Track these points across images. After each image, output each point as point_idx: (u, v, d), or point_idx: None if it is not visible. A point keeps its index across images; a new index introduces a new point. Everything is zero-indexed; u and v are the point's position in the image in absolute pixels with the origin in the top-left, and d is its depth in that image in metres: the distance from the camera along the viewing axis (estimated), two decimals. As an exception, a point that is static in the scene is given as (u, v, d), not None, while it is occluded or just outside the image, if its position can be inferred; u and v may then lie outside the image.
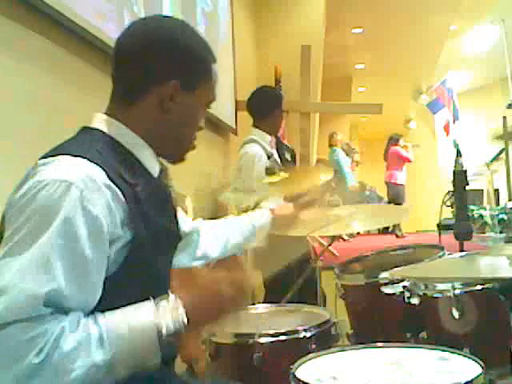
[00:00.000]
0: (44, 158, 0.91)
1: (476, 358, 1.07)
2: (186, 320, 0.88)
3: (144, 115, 1.02)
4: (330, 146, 8.11)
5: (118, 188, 0.92)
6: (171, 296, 0.90)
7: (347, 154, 8.31)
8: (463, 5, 7.59)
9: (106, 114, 1.03)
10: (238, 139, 4.11)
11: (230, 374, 1.45)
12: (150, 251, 0.97)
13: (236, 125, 4.44)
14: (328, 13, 6.79)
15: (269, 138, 2.89)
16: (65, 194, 0.85)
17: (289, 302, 1.91)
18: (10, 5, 1.46)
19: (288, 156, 4.01)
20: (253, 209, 2.29)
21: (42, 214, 0.83)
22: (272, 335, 1.39)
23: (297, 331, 1.40)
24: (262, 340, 1.38)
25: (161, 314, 0.87)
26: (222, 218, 1.49)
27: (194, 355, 1.80)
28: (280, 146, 3.72)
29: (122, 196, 0.92)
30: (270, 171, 2.42)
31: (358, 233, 7.44)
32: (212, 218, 1.48)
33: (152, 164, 1.05)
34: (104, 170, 0.91)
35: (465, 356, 1.11)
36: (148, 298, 0.91)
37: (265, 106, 2.92)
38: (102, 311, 0.87)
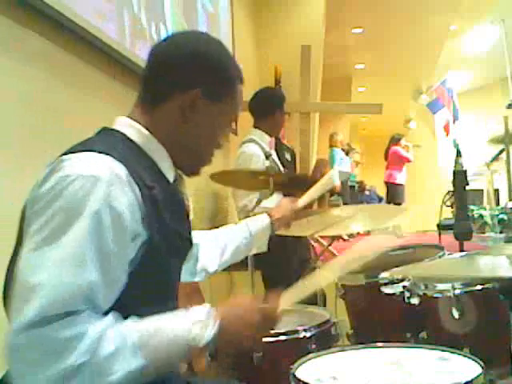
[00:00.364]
0: (66, 154, 0.92)
1: (476, 358, 1.07)
2: (216, 339, 0.91)
3: (165, 120, 1.05)
4: (330, 146, 8.12)
5: (138, 188, 0.93)
6: (208, 310, 0.93)
7: (347, 155, 8.32)
8: (463, 5, 7.59)
9: (128, 117, 1.06)
10: (237, 139, 4.10)
11: (230, 374, 1.45)
12: (164, 253, 0.98)
13: (236, 125, 4.44)
14: (328, 13, 6.78)
15: (268, 138, 2.90)
16: (92, 189, 0.86)
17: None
18: (9, 5, 1.46)
19: (288, 156, 4.01)
20: (252, 209, 2.31)
21: (70, 209, 0.85)
22: (272, 335, 1.39)
23: (297, 331, 1.40)
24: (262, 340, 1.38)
25: (196, 329, 0.89)
26: (221, 227, 1.49)
27: (194, 355, 1.79)
28: (280, 146, 3.73)
29: (140, 196, 0.93)
30: (269, 171, 2.42)
31: (358, 233, 7.43)
32: (212, 218, 1.48)
33: (168, 170, 1.07)
34: (127, 169, 0.92)
35: (465, 356, 1.11)
36: (159, 301, 0.94)
37: (265, 106, 2.92)
38: (114, 309, 0.88)
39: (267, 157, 2.74)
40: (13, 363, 0.79)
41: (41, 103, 1.60)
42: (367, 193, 12.24)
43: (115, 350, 0.81)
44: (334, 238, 2.48)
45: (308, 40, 5.11)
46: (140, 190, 0.94)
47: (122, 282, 0.90)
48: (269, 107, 2.93)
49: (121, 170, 0.91)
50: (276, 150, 3.12)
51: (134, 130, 1.03)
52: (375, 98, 8.87)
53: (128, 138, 1.02)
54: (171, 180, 1.08)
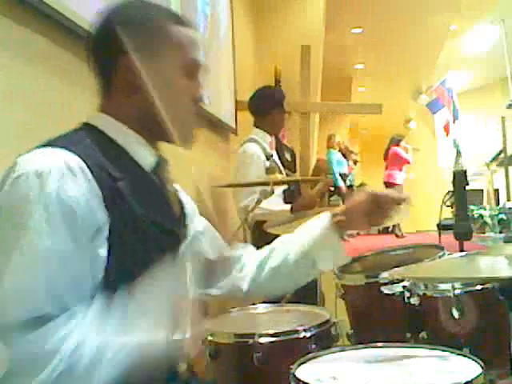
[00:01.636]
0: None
1: (476, 358, 1.07)
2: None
3: (121, 101, 0.99)
4: (328, 147, 8.14)
5: (96, 179, 0.88)
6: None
7: (345, 156, 8.33)
8: (463, 5, 7.60)
9: (98, 109, 1.02)
10: (237, 139, 4.11)
11: (230, 374, 1.45)
12: (139, 249, 0.92)
13: (236, 125, 4.44)
14: (328, 13, 6.79)
15: (269, 138, 2.90)
16: (41, 186, 0.82)
17: (289, 302, 1.91)
18: (9, 4, 1.46)
19: (288, 156, 4.01)
20: (252, 209, 2.31)
21: (18, 210, 0.81)
22: (272, 335, 1.39)
23: (297, 331, 1.40)
24: (262, 340, 1.38)
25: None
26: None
27: (194, 355, 1.80)
28: (280, 146, 3.73)
29: (98, 188, 0.87)
30: (269, 171, 2.42)
31: (358, 233, 7.44)
32: (212, 218, 1.46)
33: (145, 157, 1.01)
34: (82, 160, 0.87)
35: (465, 356, 1.11)
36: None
37: (263, 105, 2.93)
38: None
39: (268, 158, 2.74)
40: None
41: (41, 103, 1.60)
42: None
43: (94, 357, 0.78)
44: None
45: (308, 40, 5.12)
46: (100, 182, 0.88)
47: (89, 279, 0.85)
48: (266, 106, 2.93)
49: (73, 161, 0.86)
50: (276, 150, 3.11)
51: (102, 120, 0.99)
52: (375, 98, 8.88)
53: (98, 130, 0.98)
54: (148, 168, 1.01)
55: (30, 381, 0.74)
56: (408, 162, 8.47)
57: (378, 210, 1.22)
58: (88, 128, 0.98)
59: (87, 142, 0.93)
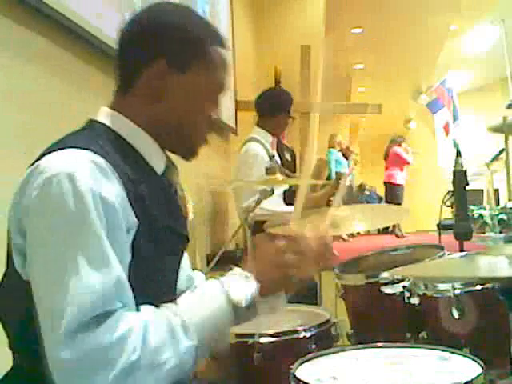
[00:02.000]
0: (44, 155, 0.87)
1: (476, 358, 1.07)
2: (257, 293, 0.90)
3: (140, 103, 0.98)
4: (329, 147, 8.14)
5: (122, 183, 0.88)
6: (240, 271, 0.91)
7: (346, 157, 8.34)
8: (463, 5, 7.59)
9: (110, 107, 1.00)
10: (237, 139, 4.11)
11: (230, 374, 1.44)
12: (156, 252, 0.93)
13: (236, 125, 4.45)
14: (328, 13, 6.78)
15: (271, 138, 2.88)
16: (73, 185, 0.80)
17: (289, 302, 1.90)
18: (9, 4, 1.46)
19: (288, 156, 4.00)
20: (253, 209, 2.30)
21: (64, 214, 0.80)
22: (272, 335, 1.39)
23: (297, 331, 1.40)
24: (262, 340, 1.38)
25: (234, 291, 0.88)
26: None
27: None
28: (280, 146, 3.72)
29: (124, 189, 0.88)
30: (270, 171, 2.42)
31: (358, 233, 7.44)
32: (212, 219, 1.46)
33: (156, 160, 1.00)
34: (108, 162, 0.87)
35: (465, 356, 1.11)
36: (155, 302, 0.88)
37: (270, 107, 2.91)
38: None
39: (270, 158, 2.73)
40: (66, 381, 0.75)
41: (41, 103, 1.60)
42: (367, 193, 12.26)
43: (162, 339, 0.79)
44: (333, 238, 2.47)
45: (308, 40, 5.12)
46: (124, 185, 0.88)
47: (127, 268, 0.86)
48: (275, 108, 2.92)
49: (103, 162, 0.85)
50: (276, 150, 3.11)
51: (115, 119, 0.98)
52: (375, 98, 8.87)
53: (111, 130, 0.96)
54: (160, 171, 1.01)
55: (107, 376, 0.74)
56: (408, 163, 8.47)
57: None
58: (99, 127, 0.97)
59: (102, 143, 0.91)
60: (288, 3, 6.07)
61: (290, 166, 3.93)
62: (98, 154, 0.86)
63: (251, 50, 5.81)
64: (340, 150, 8.23)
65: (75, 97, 1.79)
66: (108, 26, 1.93)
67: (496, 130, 3.05)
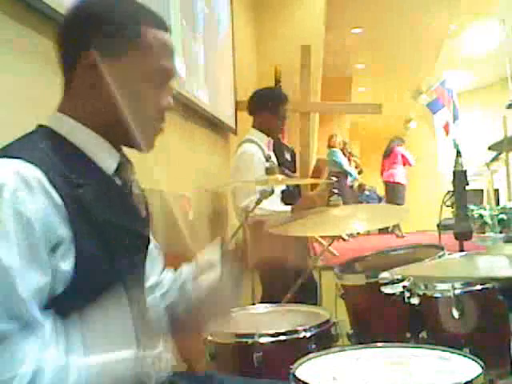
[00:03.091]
0: None
1: (476, 358, 1.07)
2: None
3: (80, 99, 0.94)
4: (329, 146, 8.14)
5: (56, 189, 0.83)
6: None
7: (344, 155, 8.35)
8: (463, 4, 7.60)
9: (57, 109, 0.96)
10: (237, 139, 4.11)
11: (230, 374, 1.45)
12: (107, 255, 0.89)
13: (236, 125, 4.44)
14: (328, 13, 6.79)
15: (266, 138, 2.89)
16: None
17: (289, 302, 1.91)
18: (8, 3, 1.46)
19: (288, 156, 4.01)
20: (252, 209, 2.31)
21: None
22: (272, 335, 1.39)
23: (297, 331, 1.40)
24: (262, 340, 1.38)
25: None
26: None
27: (194, 355, 1.80)
28: (280, 147, 3.72)
29: (59, 198, 0.83)
30: (270, 171, 2.42)
31: (358, 233, 7.44)
32: (212, 219, 1.46)
33: (106, 159, 0.95)
34: (40, 169, 0.82)
35: (465, 356, 1.11)
36: (117, 305, 0.86)
37: (257, 105, 2.93)
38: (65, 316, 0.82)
39: (267, 159, 2.73)
40: None
41: (42, 102, 1.60)
42: (367, 193, 12.26)
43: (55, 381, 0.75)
44: (333, 238, 2.48)
45: (308, 40, 5.11)
46: (59, 191, 0.83)
47: (45, 292, 0.81)
48: (256, 106, 2.93)
49: (30, 172, 0.81)
50: (274, 150, 3.11)
51: (59, 122, 0.93)
52: (375, 98, 8.89)
53: (54, 133, 0.92)
54: (110, 170, 0.96)
55: None
56: (410, 165, 8.49)
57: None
58: (43, 131, 0.93)
59: (43, 147, 0.88)
60: (288, 3, 6.07)
61: (289, 166, 3.93)
62: (30, 162, 0.82)
63: (251, 50, 5.82)
64: (341, 150, 8.24)
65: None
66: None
67: (496, 148, 3.08)
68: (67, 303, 0.83)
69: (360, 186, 12.19)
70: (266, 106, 2.89)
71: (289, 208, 2.57)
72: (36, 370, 0.74)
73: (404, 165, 8.40)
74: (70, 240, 0.84)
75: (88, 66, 0.91)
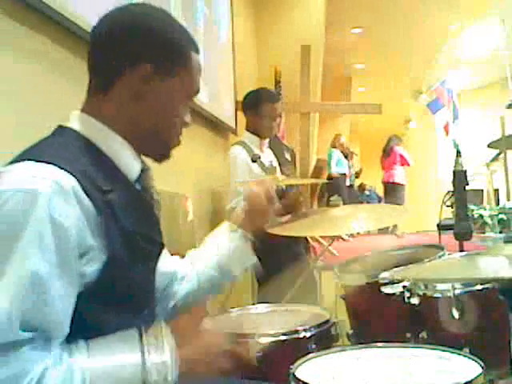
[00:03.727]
0: (10, 163, 0.85)
1: (476, 358, 1.07)
2: (172, 377, 0.85)
3: (118, 105, 0.97)
4: (332, 146, 8.15)
5: (89, 196, 0.85)
6: (169, 353, 0.86)
7: (346, 157, 8.34)
8: (463, 5, 7.59)
9: (82, 111, 0.98)
10: (237, 139, 4.11)
11: (230, 374, 1.44)
12: (128, 261, 0.91)
13: (236, 125, 4.44)
14: (328, 13, 6.79)
15: (257, 139, 2.90)
16: (32, 206, 0.78)
17: (289, 302, 1.90)
18: (8, 4, 1.46)
19: (288, 156, 4.00)
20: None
21: (8, 232, 0.77)
22: (272, 335, 1.39)
23: (297, 331, 1.40)
24: (262, 340, 1.38)
25: (148, 369, 0.83)
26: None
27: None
28: (280, 146, 3.72)
29: (92, 205, 0.85)
30: (269, 171, 2.42)
31: (358, 233, 7.43)
32: (212, 219, 1.46)
33: (130, 166, 0.99)
34: (74, 177, 0.84)
35: (465, 356, 1.11)
36: (130, 310, 0.88)
37: (244, 107, 3.06)
38: (79, 326, 0.83)
39: (254, 160, 2.72)
40: None
41: (40, 102, 1.60)
42: (367, 193, 12.26)
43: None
44: (333, 238, 2.48)
45: (308, 40, 5.11)
46: (92, 198, 0.85)
47: (71, 299, 0.83)
48: (244, 109, 3.03)
49: (65, 179, 0.83)
50: (273, 150, 3.12)
51: (86, 124, 0.95)
52: (375, 98, 8.88)
53: (81, 136, 0.94)
54: (134, 177, 0.99)
55: None
56: (408, 165, 8.48)
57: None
58: (70, 134, 0.94)
59: (73, 152, 0.89)
60: (288, 3, 6.07)
61: (289, 166, 3.93)
62: (64, 169, 0.83)
63: (251, 50, 5.81)
64: (341, 151, 8.24)
65: (76, 97, 1.78)
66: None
67: (495, 146, 3.08)
68: (81, 305, 0.84)
69: (361, 185, 12.20)
70: (251, 107, 2.96)
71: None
72: (43, 372, 0.75)
73: (402, 165, 8.40)
74: (99, 247, 0.86)
75: (139, 79, 0.96)
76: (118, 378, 0.82)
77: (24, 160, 0.84)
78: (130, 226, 0.92)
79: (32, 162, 0.83)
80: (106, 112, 0.97)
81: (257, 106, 2.92)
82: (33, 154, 0.86)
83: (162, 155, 1.05)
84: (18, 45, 1.50)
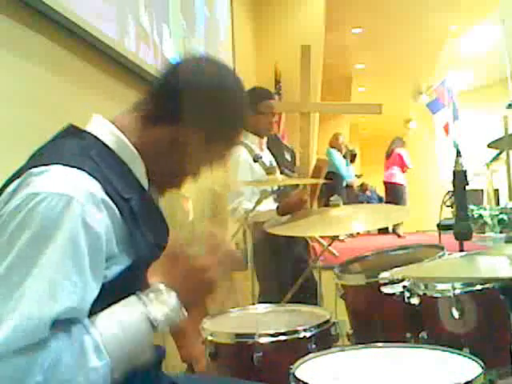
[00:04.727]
0: (35, 166, 0.85)
1: (476, 358, 1.07)
2: (177, 307, 0.90)
3: (154, 139, 0.99)
4: (331, 146, 8.13)
5: (115, 203, 0.88)
6: (159, 286, 0.91)
7: (345, 157, 8.33)
8: (463, 5, 7.60)
9: (111, 121, 0.99)
10: (237, 139, 4.10)
11: (230, 374, 1.45)
12: (138, 268, 0.93)
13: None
14: (328, 13, 6.79)
15: (257, 139, 2.90)
16: (66, 209, 0.80)
17: (289, 302, 1.91)
18: (9, 4, 1.46)
19: (288, 156, 4.00)
20: (252, 209, 2.30)
21: (42, 231, 0.78)
22: (272, 335, 1.39)
23: (297, 331, 1.40)
24: (262, 340, 1.38)
25: (152, 308, 0.88)
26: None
27: (194, 355, 1.80)
28: (280, 146, 3.72)
29: (118, 212, 0.88)
30: (269, 171, 2.42)
31: (358, 233, 7.44)
32: (212, 218, 1.46)
33: (143, 178, 1.01)
34: (101, 184, 0.87)
35: (465, 356, 1.11)
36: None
37: None
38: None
39: (256, 160, 2.72)
40: None
41: (41, 102, 1.60)
42: (368, 193, 12.27)
43: (75, 358, 0.79)
44: (333, 238, 2.48)
45: (308, 40, 5.10)
46: (117, 205, 0.89)
47: (92, 299, 0.85)
48: None
49: (96, 187, 0.86)
50: (273, 149, 3.11)
51: (109, 133, 0.97)
52: (375, 98, 8.89)
53: (100, 142, 0.95)
54: (146, 187, 1.02)
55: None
56: (408, 167, 8.49)
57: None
58: (90, 138, 0.96)
59: (96, 157, 0.91)
60: (288, 3, 6.08)
61: (289, 166, 3.93)
62: (93, 177, 0.86)
63: (251, 50, 5.82)
64: (339, 151, 8.22)
65: (75, 96, 1.79)
66: (107, 27, 1.93)
67: (495, 146, 3.08)
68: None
69: (362, 185, 12.20)
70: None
71: (274, 207, 2.54)
72: (58, 351, 0.78)
73: (401, 167, 8.40)
74: (121, 253, 0.89)
75: (189, 136, 0.98)
76: (124, 324, 0.86)
77: (53, 163, 0.85)
78: (148, 234, 0.95)
79: (61, 165, 0.85)
80: (142, 138, 0.99)
81: (253, 105, 2.91)
82: (59, 157, 0.87)
83: (161, 190, 1.08)
84: (18, 45, 1.50)
